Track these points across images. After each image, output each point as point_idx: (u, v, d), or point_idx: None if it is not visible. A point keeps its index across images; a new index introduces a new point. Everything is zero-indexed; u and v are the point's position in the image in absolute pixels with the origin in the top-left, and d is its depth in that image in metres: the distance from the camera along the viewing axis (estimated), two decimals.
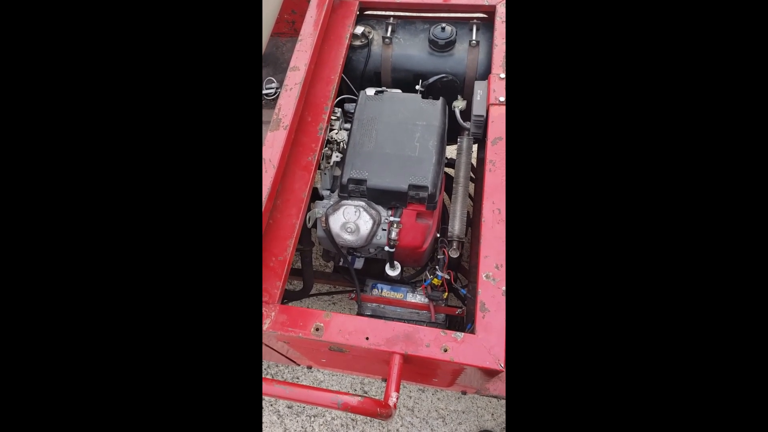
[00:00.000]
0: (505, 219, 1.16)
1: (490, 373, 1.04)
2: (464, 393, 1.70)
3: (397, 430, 1.84)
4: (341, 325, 1.07)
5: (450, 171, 1.56)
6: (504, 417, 1.83)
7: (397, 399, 0.99)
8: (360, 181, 1.31)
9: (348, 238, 1.34)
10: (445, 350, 1.02)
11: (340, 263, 1.57)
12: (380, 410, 0.91)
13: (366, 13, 1.69)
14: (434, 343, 1.03)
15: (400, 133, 1.35)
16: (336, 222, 1.35)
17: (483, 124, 1.36)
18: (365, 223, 1.33)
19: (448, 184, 1.56)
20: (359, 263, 1.58)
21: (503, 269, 1.10)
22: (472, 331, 1.05)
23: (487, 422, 1.83)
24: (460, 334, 1.03)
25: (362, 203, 1.35)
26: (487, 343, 1.02)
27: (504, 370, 0.99)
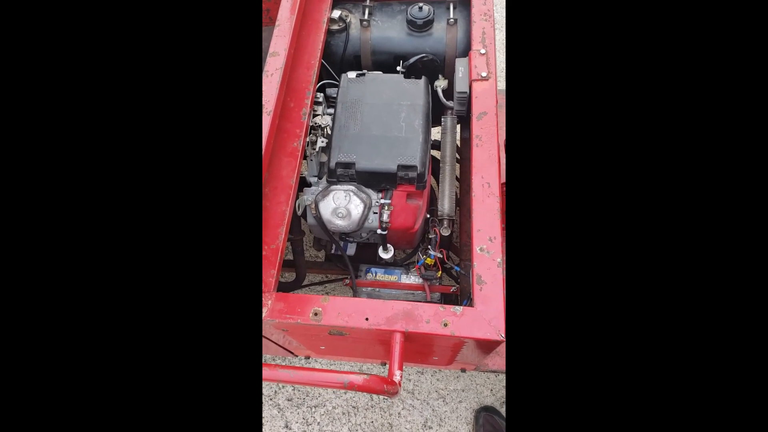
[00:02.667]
0: (496, 193, 1.17)
1: (490, 345, 1.05)
2: (464, 371, 1.72)
3: (399, 413, 1.85)
4: (340, 308, 1.06)
5: (435, 153, 1.56)
6: (503, 392, 1.86)
7: (401, 377, 0.99)
8: (348, 165, 1.30)
9: (340, 223, 1.33)
10: (446, 325, 1.02)
11: (332, 251, 1.56)
12: (387, 387, 0.91)
13: None
14: (434, 318, 1.03)
15: (385, 114, 1.34)
16: (326, 208, 1.33)
17: (467, 101, 1.36)
18: (356, 207, 1.33)
19: (435, 166, 1.56)
20: (351, 249, 1.58)
21: (497, 242, 1.10)
22: (471, 305, 1.05)
23: (487, 398, 1.85)
24: (459, 308, 1.04)
25: (352, 187, 1.34)
26: (486, 315, 1.03)
27: (504, 340, 1.00)
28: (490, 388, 1.87)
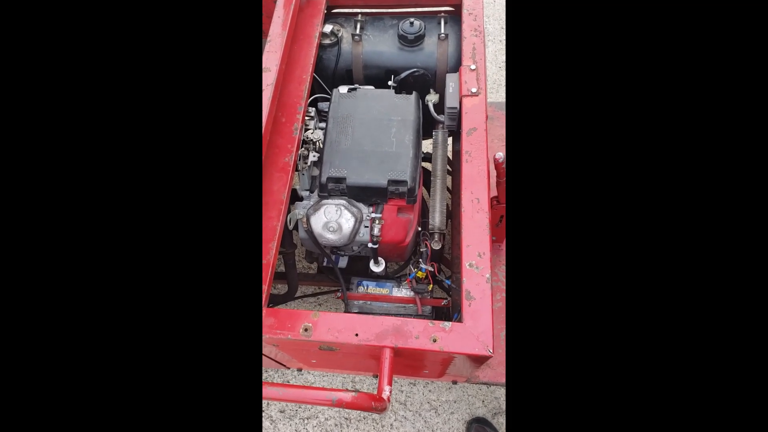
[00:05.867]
0: (485, 209, 1.18)
1: (479, 360, 1.06)
2: (455, 383, 1.72)
3: (391, 424, 1.85)
4: (330, 323, 1.07)
5: (427, 165, 1.58)
6: (495, 404, 1.86)
7: (390, 393, 1.00)
8: (339, 180, 1.31)
9: (331, 237, 1.34)
10: (435, 340, 1.03)
11: (324, 264, 1.56)
12: (375, 404, 0.91)
13: (334, 11, 1.68)
14: (423, 334, 1.04)
15: (376, 129, 1.36)
16: (318, 222, 1.34)
17: (457, 116, 1.38)
18: (347, 221, 1.33)
19: (426, 178, 1.57)
20: (343, 262, 1.58)
21: (486, 257, 1.11)
22: (460, 320, 1.06)
23: (479, 410, 1.85)
24: (448, 324, 1.05)
25: (343, 201, 1.35)
26: (475, 330, 1.04)
27: (492, 355, 1.01)
28: (482, 399, 1.87)
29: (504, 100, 2.43)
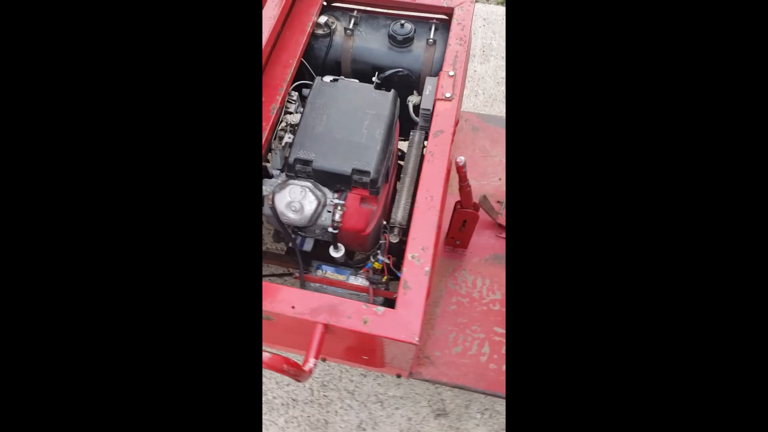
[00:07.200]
0: (437, 207, 1.23)
1: (405, 347, 1.10)
2: (399, 376, 1.76)
3: (336, 411, 1.89)
4: (271, 294, 1.12)
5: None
6: (440, 405, 1.90)
7: (315, 366, 1.04)
8: (306, 162, 1.36)
9: (292, 216, 1.39)
10: (366, 322, 1.08)
11: (289, 245, 1.61)
12: (288, 367, 0.96)
13: (333, 4, 1.74)
14: (356, 315, 1.09)
15: (350, 120, 1.41)
16: (281, 200, 1.39)
17: (430, 118, 1.43)
18: (310, 203, 1.38)
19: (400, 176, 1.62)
20: (309, 245, 1.63)
21: (429, 252, 1.16)
22: (393, 307, 1.11)
23: (423, 408, 1.89)
24: (381, 309, 1.09)
25: (309, 184, 1.40)
26: (405, 318, 1.08)
27: (417, 344, 1.05)
28: (428, 399, 1.91)
29: (496, 114, 2.48)
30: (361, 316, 1.08)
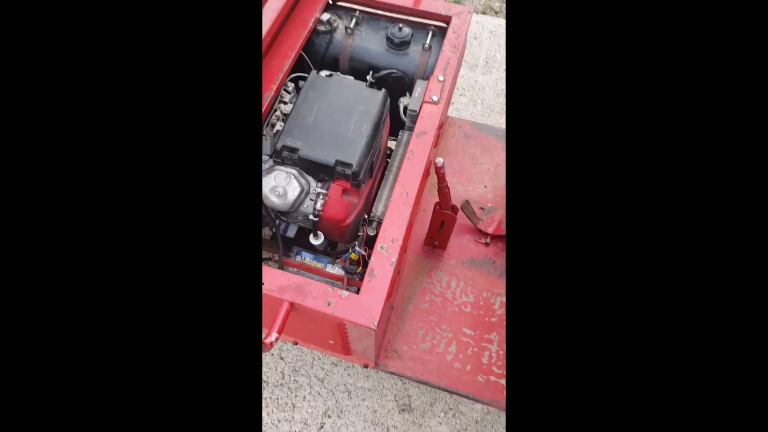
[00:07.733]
0: (411, 203, 1.29)
1: (365, 331, 1.16)
2: (366, 366, 1.81)
3: (304, 397, 1.94)
4: None
5: None
6: (406, 400, 1.95)
7: (276, 340, 1.10)
8: (293, 150, 1.42)
9: (275, 200, 1.45)
10: (329, 304, 1.13)
11: (273, 230, 1.67)
12: None
13: (338, 3, 1.81)
14: (321, 297, 1.14)
15: (339, 114, 1.47)
16: (267, 184, 1.45)
17: (416, 119, 1.49)
18: (293, 189, 1.44)
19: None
20: (292, 231, 1.69)
21: (397, 244, 1.22)
22: (358, 292, 1.16)
23: (389, 402, 1.94)
24: (345, 293, 1.15)
25: (294, 171, 1.46)
26: (367, 303, 1.13)
27: (375, 329, 1.11)
28: (395, 393, 1.96)
29: (492, 124, 2.54)
30: (326, 298, 1.14)
